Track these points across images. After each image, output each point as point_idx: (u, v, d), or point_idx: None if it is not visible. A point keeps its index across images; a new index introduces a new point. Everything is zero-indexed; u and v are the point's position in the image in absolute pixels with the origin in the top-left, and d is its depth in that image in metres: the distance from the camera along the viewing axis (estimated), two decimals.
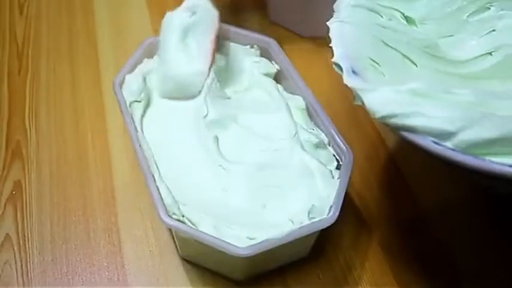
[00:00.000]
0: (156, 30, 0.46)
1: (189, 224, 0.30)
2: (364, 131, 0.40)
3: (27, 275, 0.33)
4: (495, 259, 0.34)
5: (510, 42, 0.30)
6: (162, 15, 0.38)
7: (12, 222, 0.36)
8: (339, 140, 0.33)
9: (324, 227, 0.30)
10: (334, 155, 0.34)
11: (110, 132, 0.40)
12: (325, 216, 0.30)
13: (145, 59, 0.38)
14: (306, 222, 0.30)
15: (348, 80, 0.26)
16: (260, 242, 0.29)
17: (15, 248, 0.34)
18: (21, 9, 0.51)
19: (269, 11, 0.48)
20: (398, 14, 0.31)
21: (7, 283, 0.33)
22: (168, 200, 0.31)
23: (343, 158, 0.33)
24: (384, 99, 0.25)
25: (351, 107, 0.42)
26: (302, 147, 0.34)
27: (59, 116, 0.41)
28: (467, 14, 0.32)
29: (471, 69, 0.30)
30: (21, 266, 0.34)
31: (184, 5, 0.38)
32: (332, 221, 0.30)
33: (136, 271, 0.34)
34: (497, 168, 0.23)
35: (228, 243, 0.29)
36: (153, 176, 0.31)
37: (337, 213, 0.30)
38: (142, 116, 0.35)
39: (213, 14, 0.38)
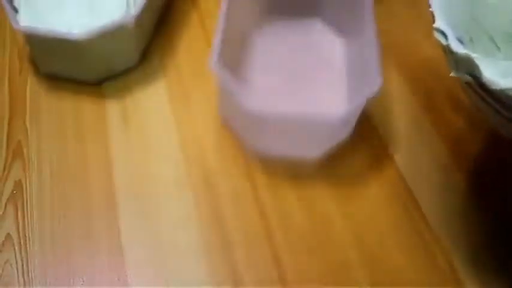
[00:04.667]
0: None
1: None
2: None
3: (28, 275, 0.34)
4: (495, 263, 0.34)
5: None
6: None
7: (13, 222, 0.36)
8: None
9: None
10: None
11: (110, 132, 0.41)
12: None
13: None
14: None
15: (458, 47, 0.25)
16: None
17: (16, 248, 0.35)
18: None
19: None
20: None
21: (8, 283, 0.33)
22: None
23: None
24: (507, 70, 0.24)
25: None
26: None
27: (60, 116, 0.42)
28: None
29: None
30: (22, 265, 0.34)
31: None
32: None
33: (136, 271, 0.34)
34: None
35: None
36: None
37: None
38: None
39: None
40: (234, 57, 0.41)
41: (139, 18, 0.40)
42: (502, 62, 0.25)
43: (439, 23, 0.26)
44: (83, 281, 0.33)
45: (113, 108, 0.42)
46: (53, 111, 0.42)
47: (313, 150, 0.37)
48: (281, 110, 0.37)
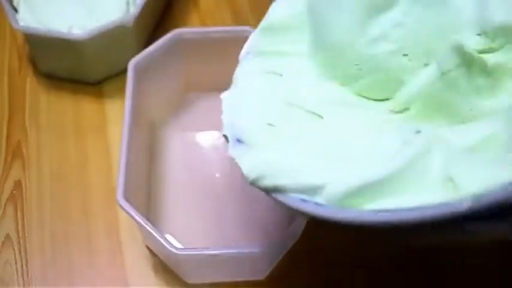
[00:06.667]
0: None
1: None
2: None
3: (28, 275, 0.34)
4: None
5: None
6: None
7: (12, 222, 0.36)
8: None
9: None
10: None
11: (110, 131, 0.41)
12: None
13: None
14: None
15: (230, 150, 0.24)
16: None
17: (16, 248, 0.35)
18: None
19: None
20: (312, 75, 0.27)
21: (7, 283, 0.33)
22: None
23: None
24: (255, 160, 0.23)
25: None
26: None
27: (59, 116, 0.42)
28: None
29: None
30: (22, 265, 0.34)
31: None
32: None
33: (136, 271, 0.34)
34: (369, 218, 0.20)
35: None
36: None
37: None
38: None
39: None
40: (145, 175, 0.36)
41: (139, 18, 0.40)
42: (257, 151, 0.24)
43: (223, 129, 0.25)
44: (83, 281, 0.33)
45: (112, 108, 0.41)
46: (52, 111, 0.42)
47: (254, 274, 0.33)
48: (210, 245, 0.31)
